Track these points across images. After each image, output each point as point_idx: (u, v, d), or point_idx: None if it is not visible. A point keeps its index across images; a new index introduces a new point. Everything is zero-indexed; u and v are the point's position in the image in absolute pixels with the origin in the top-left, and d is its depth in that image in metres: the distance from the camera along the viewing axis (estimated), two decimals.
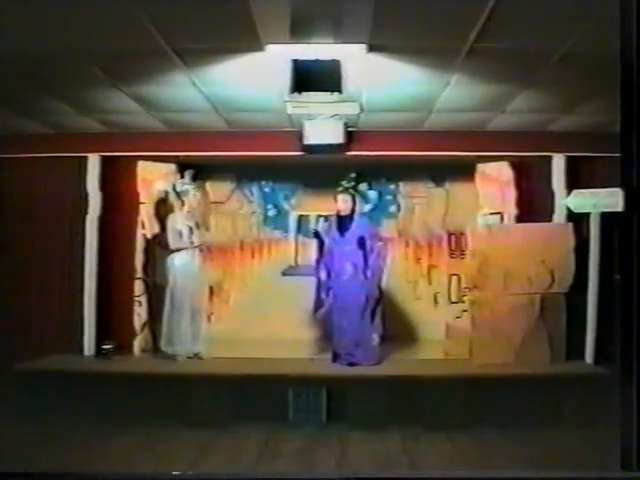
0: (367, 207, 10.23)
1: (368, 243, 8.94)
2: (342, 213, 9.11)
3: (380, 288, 9.16)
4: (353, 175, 9.46)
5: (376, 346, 8.87)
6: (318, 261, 9.26)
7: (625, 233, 3.22)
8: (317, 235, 9.34)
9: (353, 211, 9.14)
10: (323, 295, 9.02)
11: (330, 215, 9.64)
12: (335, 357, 8.85)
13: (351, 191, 9.19)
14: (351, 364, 8.64)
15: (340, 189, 9.12)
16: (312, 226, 9.95)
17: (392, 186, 10.40)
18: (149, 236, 9.57)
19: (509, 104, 8.05)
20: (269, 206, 10.47)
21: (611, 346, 8.38)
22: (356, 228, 9.01)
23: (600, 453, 6.53)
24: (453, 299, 10.06)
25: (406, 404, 8.02)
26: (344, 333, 8.80)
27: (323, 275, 9.06)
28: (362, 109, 8.21)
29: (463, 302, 9.73)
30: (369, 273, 8.88)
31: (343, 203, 9.08)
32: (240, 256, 10.50)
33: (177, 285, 9.18)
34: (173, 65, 6.53)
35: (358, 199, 9.41)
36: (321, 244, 9.23)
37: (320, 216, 10.21)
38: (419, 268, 10.33)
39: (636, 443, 3.19)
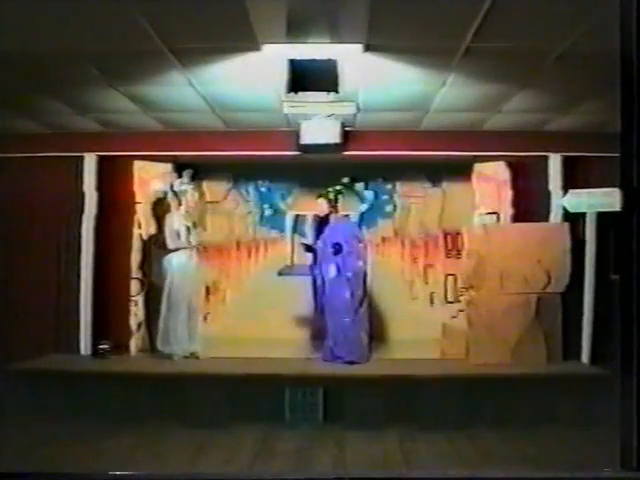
0: (363, 207, 10.27)
1: (346, 245, 9.04)
2: (320, 216, 9.41)
3: (364, 288, 9.19)
4: (346, 180, 9.62)
5: (365, 344, 8.96)
6: (312, 266, 9.34)
7: (625, 233, 3.22)
8: (308, 248, 9.44)
9: (329, 214, 9.32)
10: (320, 296, 9.10)
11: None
12: (325, 355, 8.93)
13: (330, 195, 9.30)
14: (345, 362, 8.72)
15: (320, 193, 9.28)
16: (302, 241, 9.97)
17: (389, 186, 10.41)
18: (145, 236, 9.57)
19: (506, 104, 8.06)
20: (265, 206, 10.48)
21: (607, 346, 8.45)
22: (335, 231, 9.15)
23: (596, 452, 6.58)
24: (449, 299, 10.08)
25: (403, 404, 8.03)
26: (333, 332, 8.92)
27: (317, 278, 9.19)
28: (358, 109, 8.22)
29: (459, 302, 9.75)
30: (350, 274, 8.99)
31: (320, 207, 9.34)
32: (236, 256, 10.51)
33: (174, 285, 9.18)
34: (170, 65, 6.53)
35: (336, 202, 9.53)
36: (314, 252, 9.32)
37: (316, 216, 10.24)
38: (415, 268, 10.35)
39: (636, 443, 3.19)
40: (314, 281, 9.19)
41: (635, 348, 3.17)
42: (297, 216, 10.47)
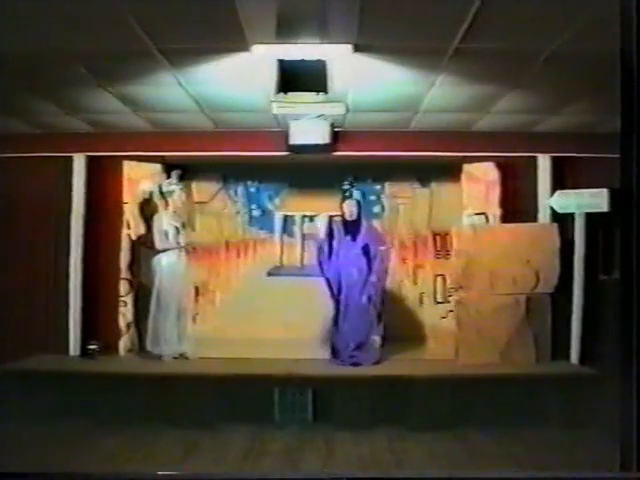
0: None
1: (372, 248, 8.95)
2: (349, 218, 9.08)
3: (383, 292, 9.14)
4: (349, 179, 9.54)
5: (377, 347, 8.91)
6: (322, 262, 9.16)
7: (625, 233, 3.23)
8: (331, 235, 9.19)
9: (359, 215, 9.14)
10: (336, 295, 8.99)
11: (315, 215, 9.69)
12: (337, 358, 8.87)
13: (356, 196, 9.20)
14: (353, 364, 8.70)
15: (346, 195, 9.11)
16: (327, 227, 9.59)
17: (377, 186, 10.41)
18: (134, 237, 9.53)
19: (495, 105, 8.07)
20: (253, 206, 10.47)
21: (596, 346, 8.47)
22: (364, 233, 9.03)
23: (585, 452, 6.60)
24: (438, 299, 10.10)
25: (392, 404, 8.02)
26: (347, 335, 8.84)
27: (331, 277, 9.03)
28: (348, 109, 8.21)
29: (448, 302, 9.76)
30: (373, 277, 8.91)
31: (353, 208, 9.07)
32: (226, 256, 10.50)
33: (163, 285, 9.16)
34: (159, 65, 6.53)
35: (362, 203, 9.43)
36: (330, 247, 9.13)
37: (305, 216, 10.23)
38: (404, 268, 10.35)
39: (636, 443, 3.20)
40: (328, 281, 9.06)
41: (635, 348, 3.17)
42: (286, 217, 10.46)
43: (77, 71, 6.70)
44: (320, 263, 9.18)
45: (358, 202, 9.24)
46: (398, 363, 8.87)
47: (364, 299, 8.85)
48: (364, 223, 9.16)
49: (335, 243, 9.08)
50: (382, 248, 9.10)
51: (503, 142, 9.32)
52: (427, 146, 9.37)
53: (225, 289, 10.41)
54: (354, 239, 9.00)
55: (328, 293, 9.05)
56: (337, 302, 8.98)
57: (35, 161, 9.46)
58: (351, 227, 9.06)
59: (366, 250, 8.95)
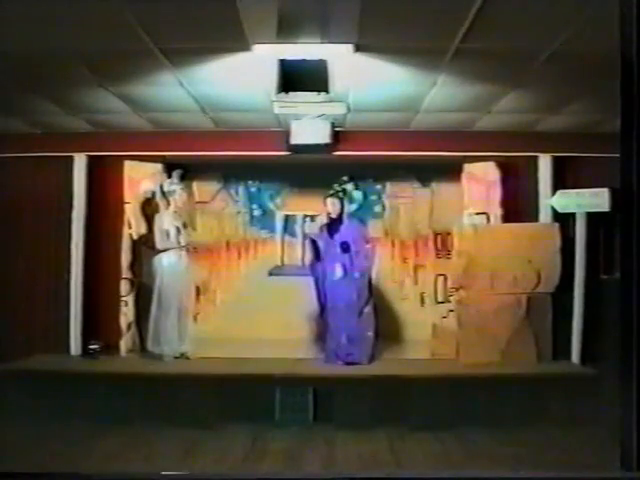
0: (352, 207, 10.22)
1: (354, 245, 8.98)
2: (331, 216, 9.17)
3: (370, 288, 9.14)
4: (345, 178, 9.54)
5: (371, 343, 8.93)
6: (313, 264, 9.33)
7: (625, 234, 3.23)
8: (313, 242, 9.35)
9: (341, 213, 9.19)
10: (322, 296, 9.08)
11: (316, 215, 9.69)
12: (331, 357, 8.87)
13: (340, 194, 9.23)
14: (348, 363, 8.72)
15: (330, 192, 9.15)
16: (308, 233, 9.87)
17: (378, 186, 10.40)
18: (135, 236, 9.53)
19: (495, 104, 8.07)
20: (254, 206, 10.46)
21: (597, 346, 8.47)
22: (344, 230, 9.08)
23: (586, 452, 6.60)
24: (439, 299, 10.08)
25: (393, 404, 8.02)
26: (339, 333, 8.85)
27: (319, 277, 9.14)
28: (349, 109, 8.22)
29: (449, 302, 9.74)
30: (357, 274, 8.92)
31: (331, 206, 9.16)
32: (227, 256, 10.48)
33: (164, 285, 9.16)
34: (160, 65, 6.53)
35: (346, 202, 9.44)
36: (316, 248, 9.25)
37: (306, 216, 10.22)
38: (405, 268, 10.33)
39: (636, 443, 3.19)
40: (316, 281, 9.16)
41: (635, 348, 3.17)
42: (287, 216, 10.45)
43: (78, 71, 6.70)
44: (311, 269, 9.38)
45: (341, 200, 9.27)
46: (399, 363, 8.88)
47: (353, 296, 8.87)
48: (345, 221, 9.23)
49: (321, 245, 9.20)
50: (367, 246, 9.17)
51: (504, 142, 9.31)
52: (428, 146, 9.37)
53: (226, 289, 10.39)
54: (336, 236, 9.07)
55: (314, 294, 9.19)
56: (325, 301, 9.06)
57: (36, 161, 9.48)
58: (334, 225, 9.15)
59: (347, 247, 8.99)
